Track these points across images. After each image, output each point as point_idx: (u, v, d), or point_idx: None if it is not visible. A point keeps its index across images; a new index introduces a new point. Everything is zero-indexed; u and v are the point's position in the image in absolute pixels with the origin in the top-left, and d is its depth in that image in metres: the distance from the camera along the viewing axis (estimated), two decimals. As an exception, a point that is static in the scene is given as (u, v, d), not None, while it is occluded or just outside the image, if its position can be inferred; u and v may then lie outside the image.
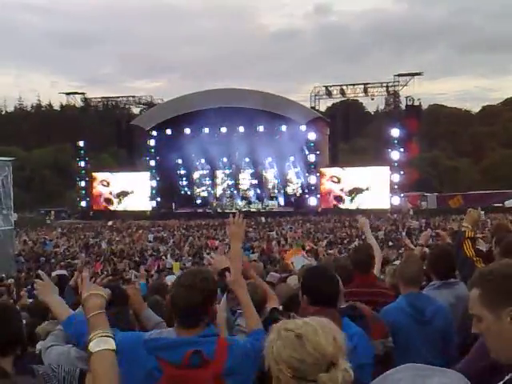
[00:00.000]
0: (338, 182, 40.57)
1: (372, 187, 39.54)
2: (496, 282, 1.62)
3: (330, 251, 14.46)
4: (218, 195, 45.35)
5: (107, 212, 44.30)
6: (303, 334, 1.48)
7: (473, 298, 1.66)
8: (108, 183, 45.80)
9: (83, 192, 45.97)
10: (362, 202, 39.49)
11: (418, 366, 0.96)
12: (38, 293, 2.92)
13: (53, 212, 49.37)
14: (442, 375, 0.91)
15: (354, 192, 40.21)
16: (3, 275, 14.72)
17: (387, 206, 38.60)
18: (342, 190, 40.61)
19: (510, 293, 1.59)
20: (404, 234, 21.97)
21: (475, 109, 72.90)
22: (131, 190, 45.12)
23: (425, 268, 4.04)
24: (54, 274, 9.33)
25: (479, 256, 3.89)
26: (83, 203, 46.17)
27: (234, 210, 41.65)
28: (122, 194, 45.54)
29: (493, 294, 1.61)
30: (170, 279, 8.03)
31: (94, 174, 45.91)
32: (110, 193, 45.82)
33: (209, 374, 2.26)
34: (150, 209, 44.25)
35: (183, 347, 2.27)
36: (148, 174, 43.87)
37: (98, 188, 46.00)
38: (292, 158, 42.09)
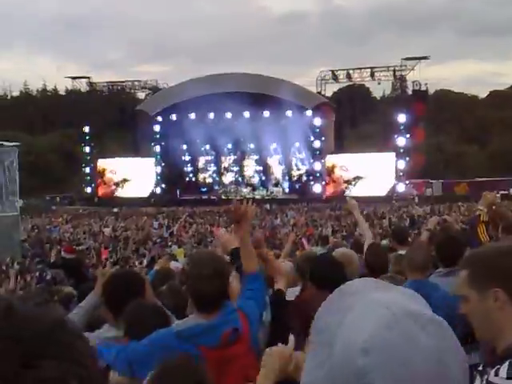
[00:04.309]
0: (346, 170, 40.60)
1: (375, 174, 39.52)
2: (483, 263, 1.68)
3: (334, 239, 14.37)
4: (222, 182, 45.32)
5: (112, 198, 44.32)
6: None
7: (461, 279, 1.72)
8: (115, 170, 45.90)
9: (88, 178, 46.03)
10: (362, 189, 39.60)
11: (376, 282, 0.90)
12: None
13: (58, 198, 49.52)
14: (390, 290, 0.87)
15: (356, 179, 40.29)
16: (8, 259, 14.80)
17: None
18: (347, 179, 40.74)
19: (495, 274, 1.64)
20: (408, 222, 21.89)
21: (482, 94, 72.39)
22: (136, 176, 45.25)
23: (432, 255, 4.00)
24: (62, 254, 9.36)
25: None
26: (88, 189, 46.25)
27: (238, 197, 41.66)
28: (127, 181, 45.68)
29: (479, 274, 1.67)
30: (174, 265, 7.98)
31: (100, 160, 45.91)
32: (116, 179, 46.01)
33: (243, 348, 2.37)
34: (155, 195, 44.37)
35: (219, 328, 2.33)
36: (153, 159, 43.90)
37: (106, 175, 46.06)
38: (297, 144, 41.93)
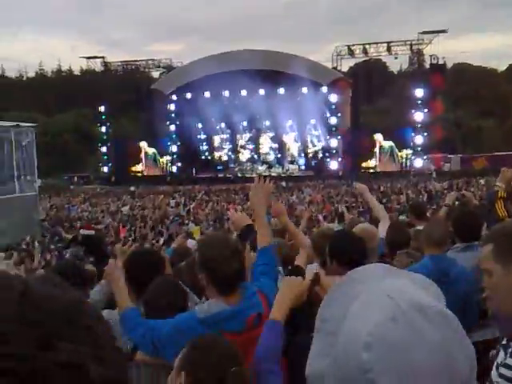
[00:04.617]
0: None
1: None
2: (508, 237, 1.68)
3: (350, 215, 14.31)
4: (238, 159, 45.31)
5: (129, 177, 44.53)
6: None
7: (485, 253, 1.71)
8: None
9: (105, 157, 46.28)
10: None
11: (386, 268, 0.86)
12: (108, 275, 2.91)
13: (76, 178, 49.98)
14: (400, 277, 0.83)
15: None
16: (28, 238, 15.06)
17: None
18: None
19: None
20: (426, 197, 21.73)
21: (501, 67, 70.94)
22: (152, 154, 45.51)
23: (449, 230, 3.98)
24: (81, 232, 9.48)
25: (512, 217, 3.79)
26: (105, 169, 46.52)
27: (254, 175, 41.59)
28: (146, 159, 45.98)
29: (504, 249, 1.66)
30: (191, 243, 8.03)
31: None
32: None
33: None
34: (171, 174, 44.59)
35: (243, 313, 2.35)
36: (168, 138, 43.99)
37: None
38: (313, 121, 41.63)
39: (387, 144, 39.92)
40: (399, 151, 39.78)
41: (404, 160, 40.08)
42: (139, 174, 45.87)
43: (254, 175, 41.37)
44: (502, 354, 1.66)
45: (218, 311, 2.33)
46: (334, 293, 0.83)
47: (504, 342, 1.67)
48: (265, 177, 3.12)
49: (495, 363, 1.68)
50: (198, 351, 1.82)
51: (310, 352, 0.83)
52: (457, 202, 5.72)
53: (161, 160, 45.47)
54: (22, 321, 0.47)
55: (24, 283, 0.51)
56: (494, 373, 1.66)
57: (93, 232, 9.43)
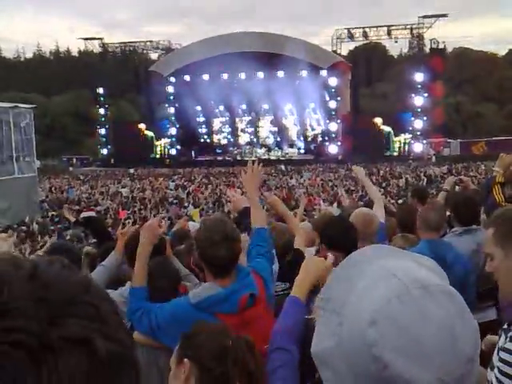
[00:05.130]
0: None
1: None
2: (509, 222, 1.71)
3: (348, 199, 14.32)
4: (238, 143, 45.18)
5: (128, 159, 44.29)
6: None
7: (487, 238, 1.75)
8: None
9: (104, 139, 46.07)
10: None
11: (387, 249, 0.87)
12: (146, 230, 2.89)
13: (74, 159, 49.83)
14: (403, 257, 0.85)
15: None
16: (27, 219, 15.10)
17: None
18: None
19: None
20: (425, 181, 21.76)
21: (501, 52, 70.52)
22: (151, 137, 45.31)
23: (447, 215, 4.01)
24: (82, 215, 9.50)
25: (509, 202, 3.82)
26: (104, 151, 46.33)
27: (253, 158, 41.45)
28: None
29: (505, 233, 1.69)
30: (191, 225, 8.06)
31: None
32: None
33: (261, 309, 2.41)
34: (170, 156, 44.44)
35: (235, 294, 2.36)
36: (167, 121, 43.75)
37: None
38: (312, 105, 41.44)
39: (386, 129, 39.82)
40: (398, 136, 39.69)
41: (402, 144, 40.02)
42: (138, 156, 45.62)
43: (253, 158, 41.27)
44: (502, 338, 1.67)
45: (209, 295, 2.35)
46: (338, 273, 0.85)
47: (505, 327, 1.69)
48: (253, 162, 3.13)
49: (496, 347, 1.69)
50: (191, 337, 1.84)
51: (315, 331, 0.84)
52: (457, 187, 5.73)
53: (157, 143, 45.13)
54: (31, 298, 0.49)
55: (33, 263, 0.53)
56: (494, 357, 1.67)
57: (93, 213, 9.45)
